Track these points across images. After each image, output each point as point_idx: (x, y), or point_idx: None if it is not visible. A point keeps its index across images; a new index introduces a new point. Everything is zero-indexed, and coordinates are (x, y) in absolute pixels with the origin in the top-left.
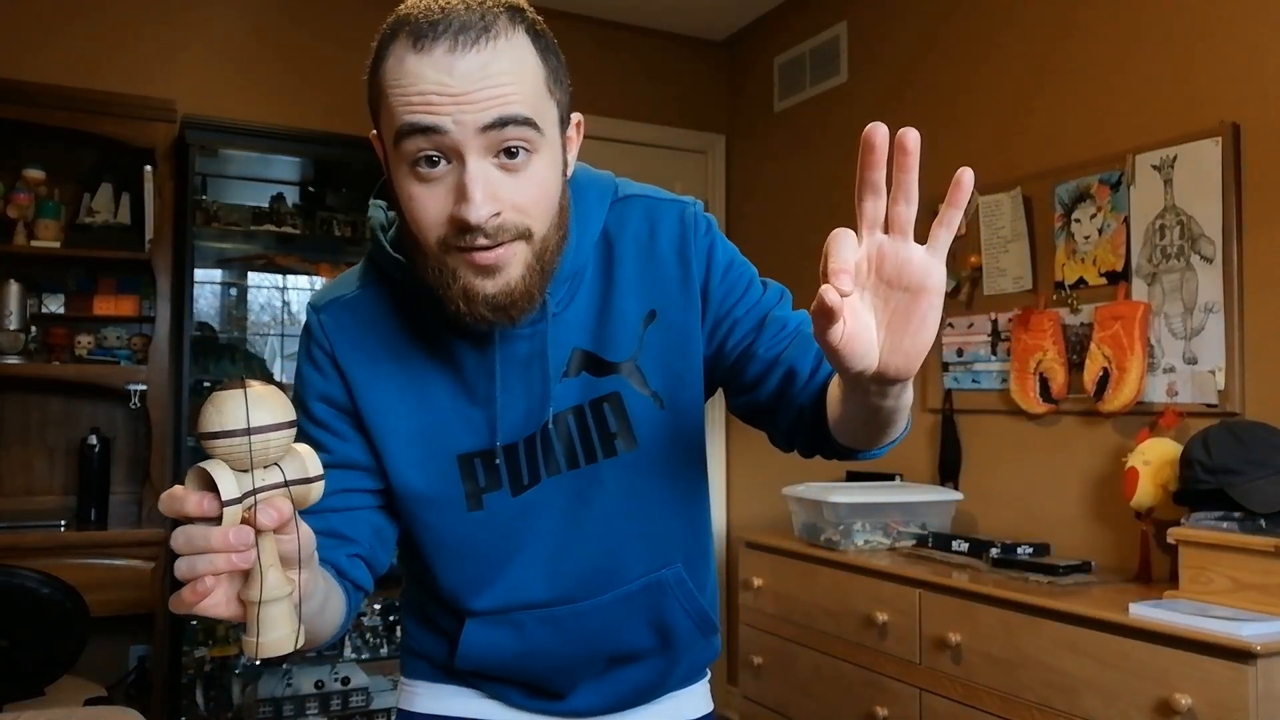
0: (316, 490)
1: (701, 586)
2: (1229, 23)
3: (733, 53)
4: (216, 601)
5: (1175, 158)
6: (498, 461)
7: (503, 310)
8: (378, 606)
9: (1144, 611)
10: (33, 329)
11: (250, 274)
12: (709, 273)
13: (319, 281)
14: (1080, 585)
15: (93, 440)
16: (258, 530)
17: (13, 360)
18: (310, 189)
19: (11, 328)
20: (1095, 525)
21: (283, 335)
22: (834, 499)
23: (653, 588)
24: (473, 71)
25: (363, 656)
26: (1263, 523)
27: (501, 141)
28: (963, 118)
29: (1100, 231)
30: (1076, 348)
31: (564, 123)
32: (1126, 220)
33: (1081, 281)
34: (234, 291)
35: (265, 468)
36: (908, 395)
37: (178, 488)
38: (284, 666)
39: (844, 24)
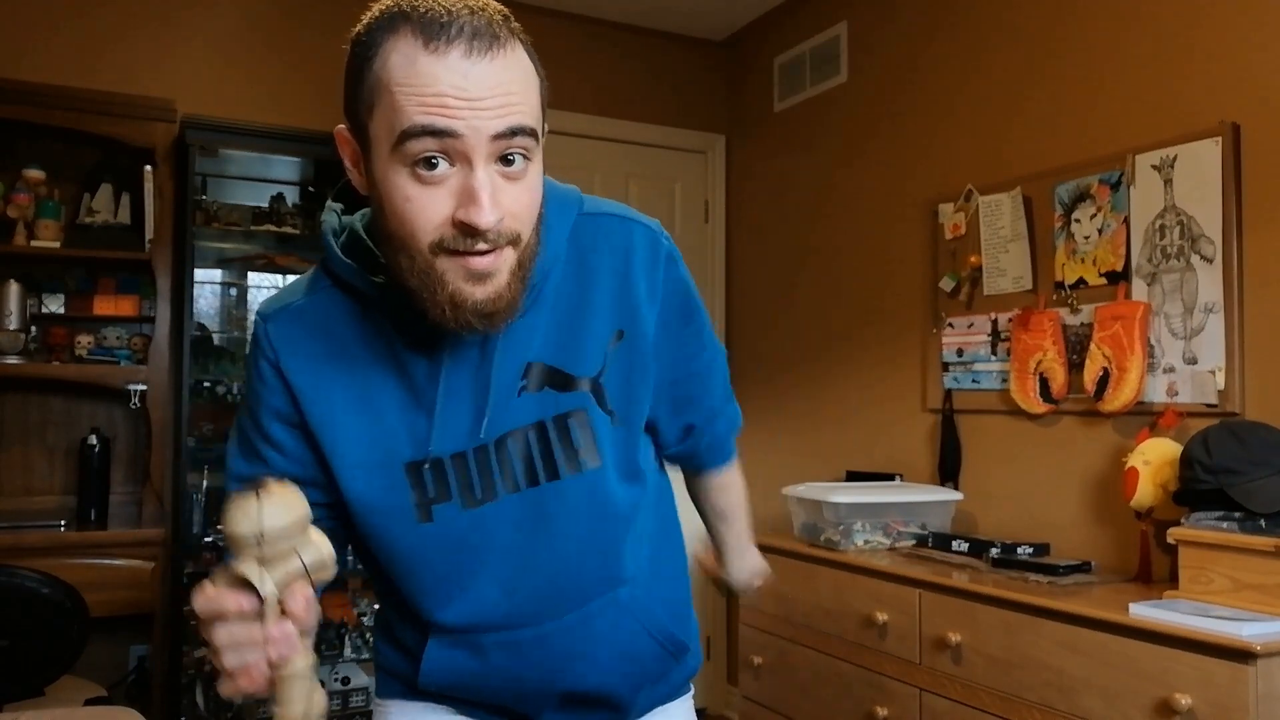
0: (330, 570)
1: (668, 604)
2: (1228, 22)
3: (732, 53)
4: (260, 684)
5: (1175, 158)
6: (447, 469)
7: (488, 318)
8: (377, 607)
9: (1144, 611)
10: (33, 329)
11: (250, 274)
12: (674, 312)
13: None
14: (1080, 585)
15: (93, 440)
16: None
17: (13, 360)
18: (310, 189)
19: (11, 328)
20: (1095, 525)
21: None
22: (834, 499)
23: (610, 609)
24: (487, 78)
25: (363, 656)
26: (1263, 523)
27: (506, 149)
28: (963, 117)
29: (1100, 231)
30: (1076, 348)
31: (543, 130)
32: (1126, 220)
33: (1081, 281)
34: (234, 291)
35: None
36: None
37: (209, 588)
38: None
39: (844, 24)
